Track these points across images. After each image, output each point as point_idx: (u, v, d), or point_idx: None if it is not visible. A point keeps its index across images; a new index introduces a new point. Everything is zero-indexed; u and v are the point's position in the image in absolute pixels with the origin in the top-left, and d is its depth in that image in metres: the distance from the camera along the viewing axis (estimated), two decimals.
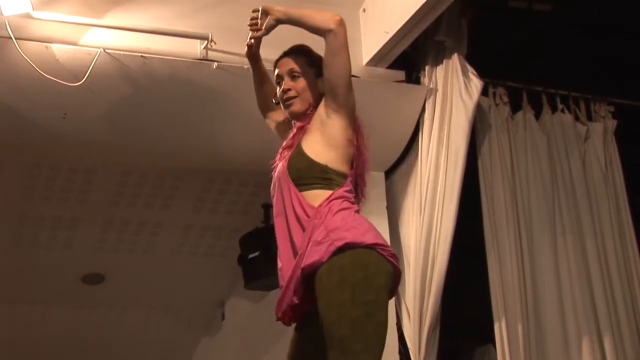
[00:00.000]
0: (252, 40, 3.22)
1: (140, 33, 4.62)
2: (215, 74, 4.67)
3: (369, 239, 2.81)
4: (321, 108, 3.03)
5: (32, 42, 4.38)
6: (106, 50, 4.50)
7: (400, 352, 5.07)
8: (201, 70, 4.66)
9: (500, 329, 5.06)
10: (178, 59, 4.65)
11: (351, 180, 3.02)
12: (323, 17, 2.96)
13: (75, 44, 4.50)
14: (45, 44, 4.42)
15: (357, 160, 3.09)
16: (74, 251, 6.39)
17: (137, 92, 4.64)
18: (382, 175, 5.40)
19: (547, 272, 5.32)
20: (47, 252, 6.34)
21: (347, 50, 2.97)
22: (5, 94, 4.47)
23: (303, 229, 2.88)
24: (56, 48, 4.44)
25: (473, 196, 5.26)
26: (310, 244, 2.81)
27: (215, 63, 4.67)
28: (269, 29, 3.13)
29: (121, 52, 4.54)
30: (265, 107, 3.42)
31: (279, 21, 3.08)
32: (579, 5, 5.43)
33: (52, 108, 4.58)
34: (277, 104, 3.22)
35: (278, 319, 2.98)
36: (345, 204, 2.91)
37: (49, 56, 4.40)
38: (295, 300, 2.85)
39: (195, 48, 4.69)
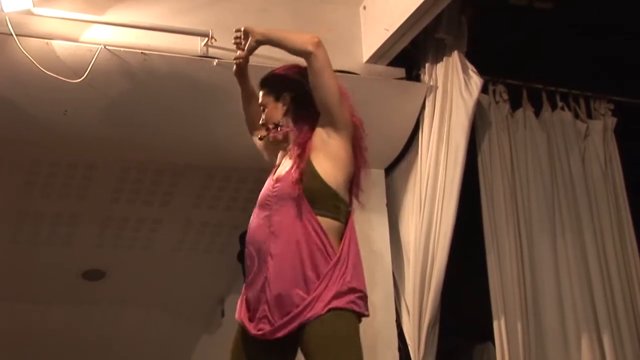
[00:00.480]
0: (238, 60, 3.28)
1: (141, 30, 4.62)
2: (216, 71, 4.66)
3: (365, 309, 2.97)
4: (320, 126, 3.06)
5: (32, 38, 4.38)
6: (107, 47, 4.50)
7: (399, 349, 5.08)
8: (201, 67, 4.66)
9: (499, 327, 5.06)
10: (178, 55, 4.65)
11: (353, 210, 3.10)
12: (302, 40, 3.02)
13: (75, 40, 4.50)
14: (46, 40, 4.42)
15: (358, 181, 3.13)
16: (74, 247, 6.39)
17: (138, 88, 4.64)
18: (382, 172, 5.40)
19: (546, 270, 5.32)
20: (47, 248, 6.33)
21: (330, 69, 3.03)
22: (5, 90, 4.47)
23: (312, 257, 2.91)
24: (57, 44, 4.43)
25: (473, 194, 5.26)
26: (332, 290, 2.87)
27: (216, 60, 4.66)
28: (250, 51, 3.23)
29: (122, 49, 4.54)
30: (252, 125, 3.47)
31: (259, 43, 3.16)
32: (579, 4, 5.43)
33: (52, 104, 4.58)
34: (264, 135, 3.31)
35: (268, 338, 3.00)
36: (354, 245, 3.00)
37: (49, 53, 4.40)
38: (293, 330, 2.90)
39: (195, 45, 4.69)
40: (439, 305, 4.98)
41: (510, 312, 5.09)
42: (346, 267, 2.90)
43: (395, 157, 5.39)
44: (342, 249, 2.92)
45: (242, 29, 3.19)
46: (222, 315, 7.22)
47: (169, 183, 5.81)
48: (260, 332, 2.94)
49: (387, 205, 5.35)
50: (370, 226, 5.21)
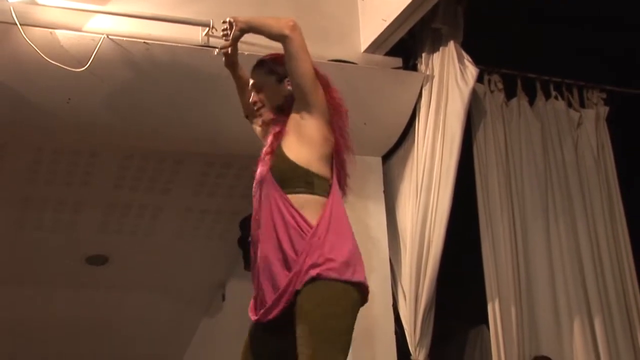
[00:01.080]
0: (225, 50, 3.27)
1: (143, 20, 4.61)
2: (216, 60, 4.59)
3: (356, 277, 2.89)
4: (294, 110, 3.06)
5: (36, 28, 4.38)
6: (109, 37, 4.50)
7: (396, 333, 5.09)
8: (202, 57, 4.65)
9: (493, 311, 5.09)
10: (180, 45, 4.65)
11: (336, 182, 3.05)
12: (278, 25, 3.02)
13: (79, 30, 4.50)
14: (50, 30, 4.41)
15: (338, 160, 3.10)
16: (77, 233, 6.40)
17: (140, 77, 4.64)
18: (379, 160, 5.41)
19: (539, 255, 5.34)
20: (51, 234, 6.34)
21: (306, 52, 3.01)
22: (10, 78, 4.47)
23: (289, 236, 2.90)
24: (60, 34, 4.43)
25: (468, 181, 5.27)
26: (308, 263, 2.84)
27: (217, 49, 4.64)
28: (235, 40, 3.19)
29: (124, 39, 4.54)
30: (248, 112, 3.43)
31: (243, 31, 3.14)
32: None
33: (56, 93, 4.58)
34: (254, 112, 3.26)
35: (259, 320, 2.99)
36: (338, 219, 2.95)
37: (53, 42, 4.40)
38: (284, 309, 2.89)
39: (196, 35, 4.69)
40: (435, 290, 5.00)
41: (504, 297, 5.11)
42: (324, 238, 2.86)
43: (392, 145, 5.40)
44: (318, 223, 2.88)
45: (228, 20, 3.18)
46: (223, 299, 7.24)
47: (171, 170, 5.81)
48: (257, 316, 2.96)
49: (384, 192, 5.35)
50: (367, 213, 5.22)
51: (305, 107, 3.02)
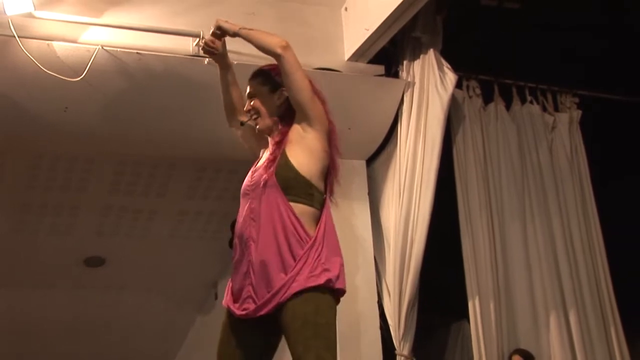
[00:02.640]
0: (214, 49, 3.25)
1: (136, 31, 4.61)
2: (207, 70, 4.65)
3: (340, 285, 2.95)
4: (297, 122, 3.07)
5: (34, 40, 4.37)
6: (104, 48, 4.49)
7: (381, 327, 5.10)
8: (193, 66, 4.65)
9: (473, 306, 5.10)
10: (172, 55, 4.64)
11: (329, 197, 3.08)
12: (270, 42, 3.05)
13: (75, 41, 4.49)
14: (47, 41, 4.40)
15: (333, 172, 3.13)
16: (75, 236, 6.37)
17: (133, 86, 4.63)
18: (363, 163, 5.42)
19: (517, 253, 5.36)
20: (50, 237, 6.32)
21: (300, 70, 3.03)
22: (9, 89, 4.46)
23: (288, 241, 2.92)
24: (57, 45, 4.42)
25: (448, 182, 5.28)
26: (305, 271, 2.87)
27: (207, 59, 4.65)
28: (216, 36, 3.24)
29: (118, 49, 4.53)
30: (231, 114, 3.37)
31: (230, 34, 3.19)
32: (545, 4, 5.45)
33: (53, 102, 4.57)
34: (248, 121, 3.24)
35: (249, 316, 3.00)
36: (330, 229, 3.00)
37: (50, 53, 4.39)
38: (274, 309, 2.90)
39: (187, 45, 4.69)
40: (418, 287, 5.00)
41: (483, 293, 5.13)
42: (321, 250, 2.92)
43: (376, 149, 5.41)
44: (317, 233, 2.93)
45: (215, 24, 3.19)
46: (216, 297, 7.22)
47: (164, 175, 5.80)
48: (244, 312, 2.97)
49: (369, 193, 5.37)
50: (352, 213, 5.23)
51: (306, 119, 3.04)
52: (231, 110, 3.36)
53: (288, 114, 3.11)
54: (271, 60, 3.14)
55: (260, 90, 3.16)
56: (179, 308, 7.57)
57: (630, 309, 5.54)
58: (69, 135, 4.81)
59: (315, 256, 2.89)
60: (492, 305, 5.11)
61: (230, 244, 5.93)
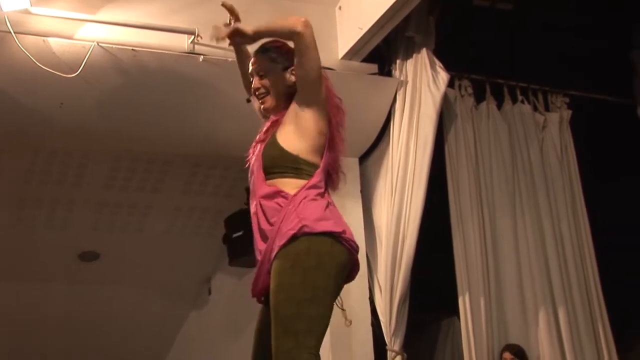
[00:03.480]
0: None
1: (132, 28, 4.60)
2: (202, 67, 4.65)
3: (328, 227, 2.76)
4: (295, 101, 3.00)
5: (30, 36, 4.36)
6: (100, 44, 4.48)
7: (372, 324, 5.10)
8: (188, 63, 4.64)
9: (464, 303, 5.10)
10: (166, 52, 4.64)
11: (323, 170, 2.95)
12: (291, 22, 2.90)
13: (71, 38, 4.48)
14: (43, 38, 4.39)
15: (330, 151, 3.05)
16: (70, 231, 6.36)
17: (129, 83, 4.62)
18: (356, 160, 5.41)
19: (507, 250, 5.37)
20: (45, 231, 6.31)
21: (315, 49, 2.90)
22: (5, 85, 4.45)
23: (268, 214, 2.83)
24: (53, 42, 4.41)
25: (440, 180, 5.28)
26: (281, 229, 2.76)
27: (202, 56, 4.65)
28: (236, 45, 3.13)
29: (114, 46, 4.53)
30: (247, 85, 3.31)
31: (253, 40, 3.01)
32: (536, 5, 5.46)
33: (49, 98, 4.56)
34: (252, 96, 3.17)
35: (254, 297, 2.95)
36: (316, 193, 2.85)
37: (46, 49, 4.38)
38: (268, 281, 2.81)
39: (182, 42, 4.68)
40: (409, 284, 5.00)
41: (474, 289, 5.13)
42: (299, 205, 2.76)
43: (369, 147, 5.41)
44: (295, 194, 2.80)
45: (232, 28, 3.06)
46: (209, 293, 7.23)
47: (159, 171, 5.79)
48: (252, 294, 2.93)
49: (361, 191, 5.36)
50: (345, 211, 5.19)
51: (307, 100, 2.92)
52: (247, 82, 3.26)
53: (290, 95, 3.01)
54: None
55: (271, 68, 3.03)
56: (173, 303, 7.56)
57: (618, 307, 5.55)
58: (65, 130, 4.80)
59: (292, 210, 2.74)
60: (482, 302, 5.11)
61: (224, 240, 5.92)
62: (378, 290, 5.14)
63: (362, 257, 5.18)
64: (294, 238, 2.70)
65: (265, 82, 3.03)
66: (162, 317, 7.74)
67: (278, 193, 2.83)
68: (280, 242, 2.72)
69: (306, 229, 2.70)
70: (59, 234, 6.39)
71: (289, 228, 2.72)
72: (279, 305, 2.65)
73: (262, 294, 2.87)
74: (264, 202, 2.85)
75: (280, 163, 2.88)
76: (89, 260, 6.84)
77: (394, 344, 4.98)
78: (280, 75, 3.02)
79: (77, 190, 5.87)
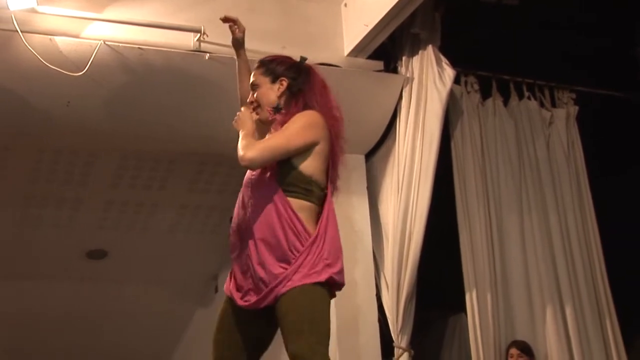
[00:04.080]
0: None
1: (138, 26, 4.61)
2: (208, 65, 4.66)
3: (337, 277, 2.92)
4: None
5: (37, 35, 4.37)
6: (106, 43, 4.49)
7: (379, 321, 5.10)
8: (194, 61, 4.65)
9: (471, 299, 5.10)
10: (173, 50, 4.64)
11: (329, 187, 3.04)
12: (238, 151, 3.00)
13: (77, 36, 4.49)
14: (49, 36, 4.40)
15: (332, 158, 3.08)
16: (78, 229, 6.36)
17: (135, 81, 4.63)
18: (362, 157, 5.41)
19: (514, 246, 5.36)
20: (52, 230, 6.30)
21: (266, 150, 2.94)
22: (12, 83, 4.45)
23: (283, 228, 2.89)
24: (59, 40, 4.42)
25: (447, 176, 5.28)
26: (306, 267, 2.85)
27: (208, 54, 4.66)
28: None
29: (120, 44, 4.53)
30: (243, 103, 3.39)
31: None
32: (542, 1, 5.45)
33: (56, 96, 4.57)
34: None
35: (245, 307, 3.00)
36: (332, 226, 2.96)
37: (52, 48, 4.38)
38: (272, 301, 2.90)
39: (188, 40, 4.68)
40: (416, 281, 5.00)
41: (481, 286, 5.13)
42: (323, 245, 2.89)
43: (375, 144, 5.41)
44: (319, 229, 2.91)
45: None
46: (216, 290, 7.22)
47: (166, 169, 5.79)
48: (246, 303, 2.97)
49: (367, 188, 5.36)
50: (351, 207, 5.22)
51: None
52: (242, 101, 3.35)
53: (288, 104, 3.09)
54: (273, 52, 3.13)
55: (262, 81, 3.13)
56: (179, 301, 7.57)
57: (625, 302, 5.54)
58: (71, 129, 4.81)
59: (317, 251, 2.87)
60: (489, 298, 5.11)
61: None
62: (385, 287, 5.14)
63: (368, 254, 5.22)
64: (319, 282, 2.86)
65: (257, 94, 3.14)
66: (169, 315, 7.75)
67: (297, 217, 2.90)
68: (304, 280, 2.84)
69: (332, 280, 2.90)
70: (65, 232, 6.38)
71: (314, 271, 2.86)
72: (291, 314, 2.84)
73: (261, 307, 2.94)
74: (286, 221, 2.91)
75: (291, 181, 2.96)
76: (97, 259, 6.85)
77: (401, 341, 4.98)
78: (269, 87, 3.12)
79: (84, 188, 5.86)
